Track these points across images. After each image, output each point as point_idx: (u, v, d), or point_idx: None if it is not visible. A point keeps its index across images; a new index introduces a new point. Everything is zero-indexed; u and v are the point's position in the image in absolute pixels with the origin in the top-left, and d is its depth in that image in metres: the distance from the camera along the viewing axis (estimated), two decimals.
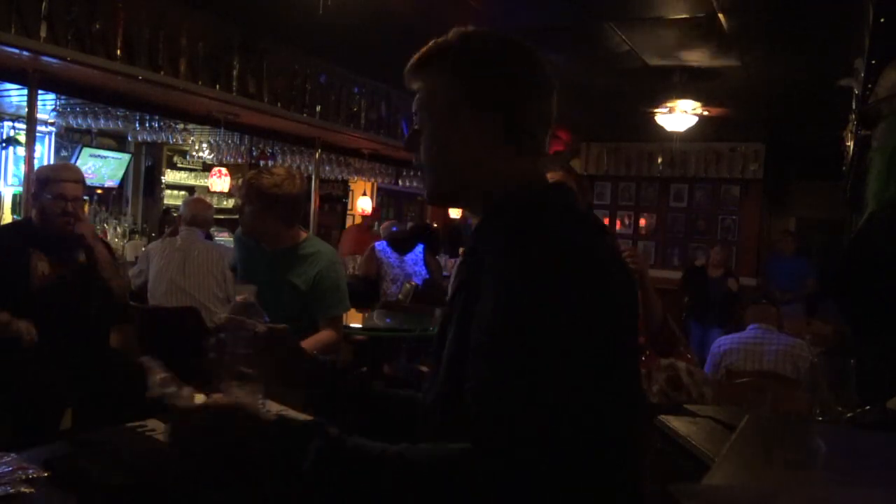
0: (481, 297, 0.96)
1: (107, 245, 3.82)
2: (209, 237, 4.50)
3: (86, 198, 6.40)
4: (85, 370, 3.09)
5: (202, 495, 1.20)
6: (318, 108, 5.72)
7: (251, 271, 3.06)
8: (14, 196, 6.05)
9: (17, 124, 5.62)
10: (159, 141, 6.31)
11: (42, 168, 3.63)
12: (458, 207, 1.14)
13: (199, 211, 4.33)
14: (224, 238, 5.85)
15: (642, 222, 9.54)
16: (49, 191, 3.12)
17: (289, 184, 2.87)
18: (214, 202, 5.97)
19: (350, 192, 8.80)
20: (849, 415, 1.50)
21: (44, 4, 3.80)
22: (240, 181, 3.18)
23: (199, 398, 1.09)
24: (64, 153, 6.35)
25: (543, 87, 1.11)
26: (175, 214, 7.34)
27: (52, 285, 3.12)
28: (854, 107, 4.11)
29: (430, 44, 1.12)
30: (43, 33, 3.79)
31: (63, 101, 4.98)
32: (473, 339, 0.95)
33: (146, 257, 4.19)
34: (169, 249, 4.12)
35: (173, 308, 3.86)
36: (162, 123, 5.44)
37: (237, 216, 3.06)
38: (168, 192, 7.69)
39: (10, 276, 3.05)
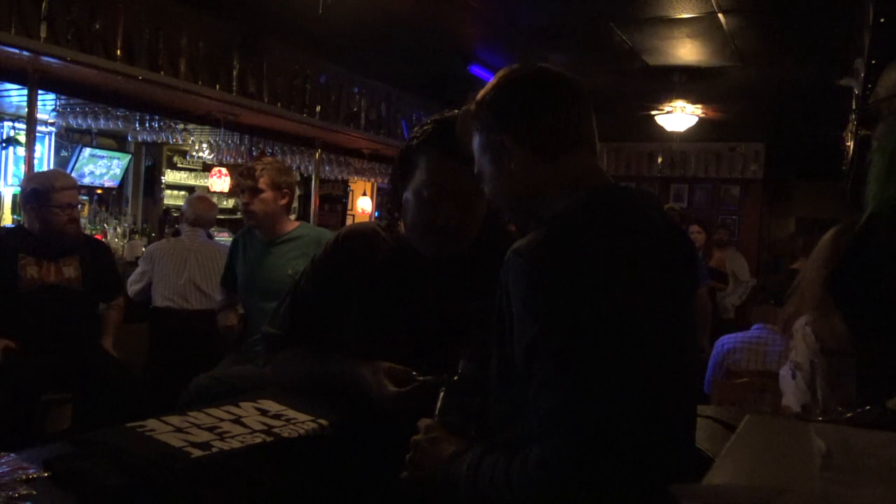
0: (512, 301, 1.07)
1: (105, 246, 3.83)
2: (209, 237, 4.42)
3: (85, 197, 6.43)
4: (78, 371, 3.10)
5: (202, 495, 1.20)
6: (318, 108, 5.72)
7: (254, 264, 3.13)
8: (14, 196, 6.04)
9: (17, 124, 5.61)
10: (159, 141, 6.30)
11: (34, 179, 3.36)
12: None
13: (203, 211, 4.18)
14: (224, 238, 5.83)
15: None
16: (54, 202, 3.16)
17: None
18: (214, 202, 5.94)
19: (350, 192, 8.80)
20: (849, 415, 1.49)
21: (44, 4, 3.80)
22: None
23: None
24: (64, 153, 6.34)
25: (559, 98, 1.21)
26: (175, 214, 7.34)
27: (42, 288, 3.14)
28: (854, 107, 4.11)
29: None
30: (43, 33, 3.79)
31: (63, 101, 4.97)
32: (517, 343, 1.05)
33: (150, 259, 4.01)
34: (179, 250, 3.99)
35: (198, 310, 3.83)
36: (162, 123, 5.43)
37: (238, 216, 3.14)
38: (168, 192, 7.67)
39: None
